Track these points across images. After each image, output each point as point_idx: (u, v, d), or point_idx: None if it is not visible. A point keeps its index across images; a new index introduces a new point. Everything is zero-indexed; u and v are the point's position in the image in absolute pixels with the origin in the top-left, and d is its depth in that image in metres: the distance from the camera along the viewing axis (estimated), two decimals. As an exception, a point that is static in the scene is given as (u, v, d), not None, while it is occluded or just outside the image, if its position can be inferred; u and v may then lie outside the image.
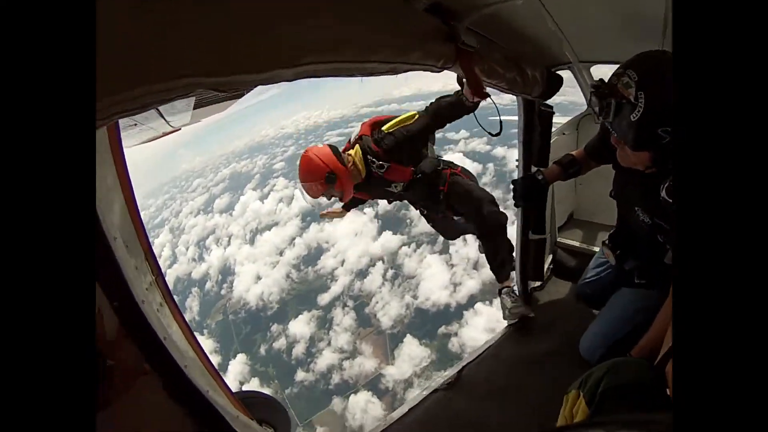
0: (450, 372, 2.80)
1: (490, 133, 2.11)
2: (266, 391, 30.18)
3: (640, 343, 1.62)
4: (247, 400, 1.83)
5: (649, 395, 1.12)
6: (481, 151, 50.82)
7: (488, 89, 1.85)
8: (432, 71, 1.35)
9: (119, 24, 0.53)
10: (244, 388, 30.72)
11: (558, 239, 3.76)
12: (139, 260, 1.11)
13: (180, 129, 3.64)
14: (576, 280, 3.33)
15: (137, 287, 0.91)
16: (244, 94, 3.45)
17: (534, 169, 2.61)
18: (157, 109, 2.21)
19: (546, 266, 3.52)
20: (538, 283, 3.48)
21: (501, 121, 2.12)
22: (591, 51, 2.41)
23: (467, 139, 54.97)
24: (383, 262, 39.08)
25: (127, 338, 0.90)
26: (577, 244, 3.67)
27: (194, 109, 3.02)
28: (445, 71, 1.43)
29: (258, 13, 0.75)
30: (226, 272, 44.49)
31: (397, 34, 1.14)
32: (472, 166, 46.33)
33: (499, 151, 48.53)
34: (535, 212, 2.96)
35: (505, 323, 3.12)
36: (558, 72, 2.51)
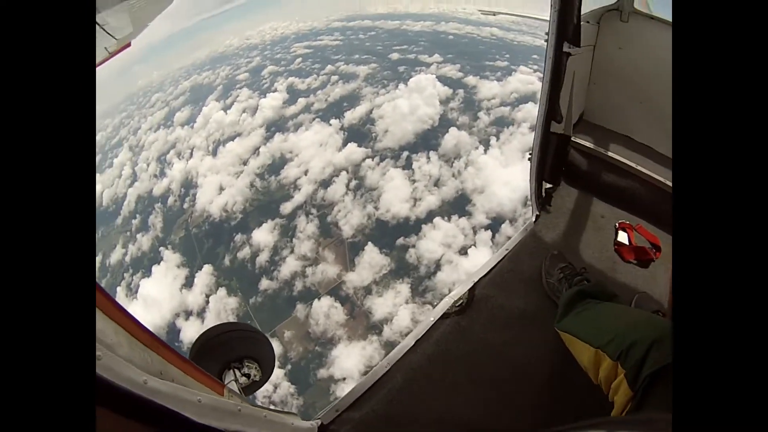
0: (457, 290, 2.33)
1: None
2: (231, 300, 31.22)
3: None
4: (218, 339, 1.75)
5: None
6: (453, 77, 49.80)
7: None
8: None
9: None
10: (211, 299, 31.50)
11: (572, 138, 3.23)
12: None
13: (129, 44, 3.29)
14: (587, 188, 3.17)
15: None
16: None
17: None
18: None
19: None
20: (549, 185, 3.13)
21: None
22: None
23: (440, 63, 53.40)
24: (347, 172, 39.04)
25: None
26: (591, 145, 3.22)
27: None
28: None
29: None
30: (189, 185, 43.51)
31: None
32: (443, 90, 45.61)
33: (471, 80, 47.69)
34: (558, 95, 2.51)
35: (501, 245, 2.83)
36: None
